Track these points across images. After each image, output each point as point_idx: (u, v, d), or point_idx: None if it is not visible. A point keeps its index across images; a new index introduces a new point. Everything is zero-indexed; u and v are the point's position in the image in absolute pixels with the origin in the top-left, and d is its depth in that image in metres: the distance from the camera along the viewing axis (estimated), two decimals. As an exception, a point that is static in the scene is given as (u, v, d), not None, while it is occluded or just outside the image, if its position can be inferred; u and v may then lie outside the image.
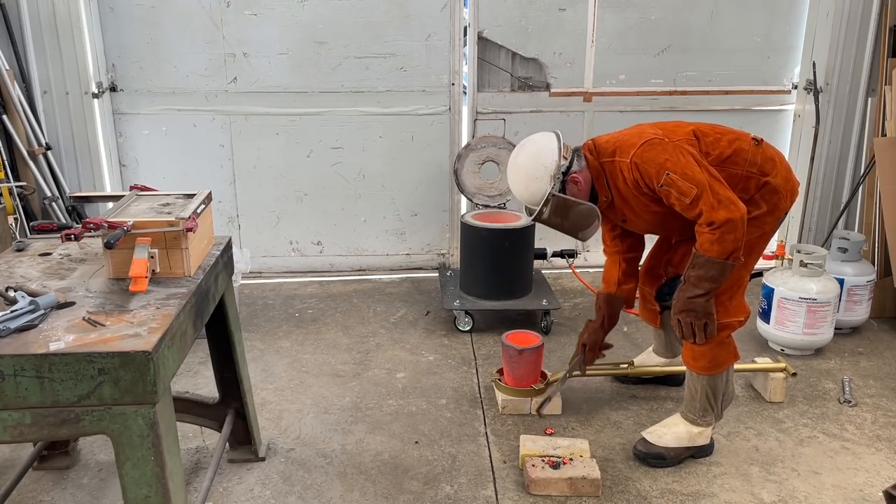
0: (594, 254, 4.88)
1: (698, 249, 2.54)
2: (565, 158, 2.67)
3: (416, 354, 3.70)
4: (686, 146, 2.58)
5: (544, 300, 3.95)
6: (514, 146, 4.16)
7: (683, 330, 2.65)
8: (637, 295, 3.13)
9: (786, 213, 2.79)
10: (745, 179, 2.65)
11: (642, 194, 2.63)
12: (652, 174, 2.54)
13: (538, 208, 2.69)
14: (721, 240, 2.48)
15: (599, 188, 2.72)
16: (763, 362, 3.33)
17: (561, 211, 2.68)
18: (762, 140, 2.74)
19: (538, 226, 4.06)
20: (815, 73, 4.45)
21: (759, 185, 2.67)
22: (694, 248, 2.57)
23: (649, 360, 3.36)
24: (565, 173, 2.66)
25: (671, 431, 2.82)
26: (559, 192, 2.66)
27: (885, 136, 4.10)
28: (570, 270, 4.47)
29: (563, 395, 3.18)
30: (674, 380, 3.34)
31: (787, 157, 4.77)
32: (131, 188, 2.47)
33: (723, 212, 2.46)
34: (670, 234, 2.86)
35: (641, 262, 3.14)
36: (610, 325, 3.07)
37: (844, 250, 3.86)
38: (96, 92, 4.22)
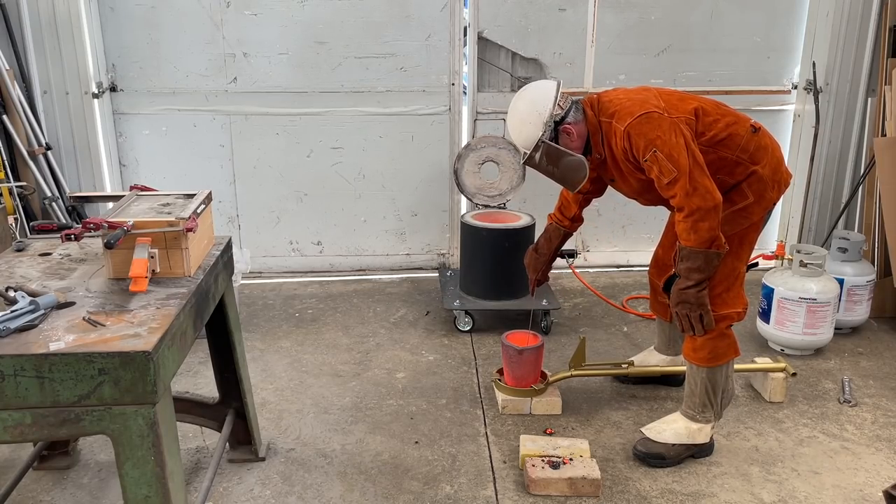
0: (594, 254, 4.88)
1: (679, 241, 2.59)
2: (561, 108, 2.70)
3: (416, 354, 3.70)
4: (682, 126, 2.58)
5: (544, 300, 3.95)
6: (515, 146, 4.21)
7: (682, 322, 2.66)
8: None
9: (774, 204, 2.80)
10: (733, 164, 2.67)
11: (628, 161, 2.67)
12: (640, 147, 2.57)
13: (529, 152, 2.73)
14: (695, 228, 2.51)
15: (595, 144, 2.76)
16: (763, 362, 3.33)
17: (551, 159, 2.72)
18: (760, 127, 2.73)
19: (538, 226, 4.08)
20: (815, 73, 4.45)
21: (746, 172, 2.68)
22: (678, 241, 2.60)
23: (649, 359, 3.36)
24: (559, 122, 2.69)
25: (670, 427, 2.82)
26: (551, 140, 2.70)
27: (885, 136, 4.10)
28: (570, 270, 4.46)
29: (563, 395, 3.19)
30: (674, 380, 3.34)
31: (787, 157, 4.80)
32: (131, 188, 2.47)
33: (696, 199, 2.49)
34: (654, 202, 2.86)
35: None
36: (555, 257, 3.22)
37: (844, 250, 3.86)
38: (96, 92, 4.22)
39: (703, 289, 2.59)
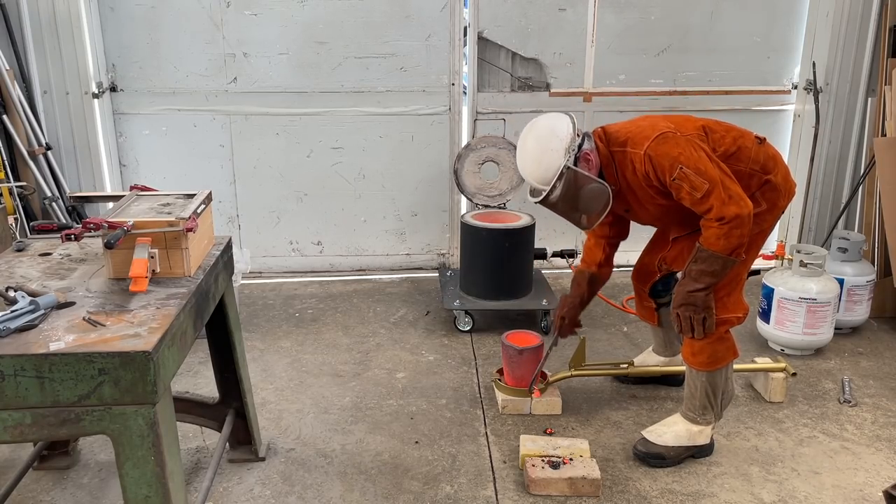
0: (594, 254, 4.88)
1: (703, 244, 2.55)
2: (578, 136, 2.65)
3: (416, 354, 3.70)
4: (697, 141, 2.58)
5: (544, 300, 3.95)
6: (515, 146, 4.20)
7: (682, 324, 2.66)
8: (632, 295, 3.14)
9: (783, 212, 2.82)
10: (747, 176, 2.66)
11: (650, 187, 2.63)
12: (665, 167, 2.53)
13: (550, 185, 2.60)
14: (728, 234, 2.50)
15: (608, 175, 2.70)
16: (763, 362, 3.33)
17: (572, 190, 2.61)
18: (764, 139, 2.76)
19: (538, 226, 4.09)
20: (815, 73, 4.45)
21: (760, 182, 2.69)
22: (698, 242, 2.58)
23: (649, 359, 3.37)
24: (578, 148, 2.63)
25: (671, 430, 2.82)
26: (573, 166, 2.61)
27: (885, 136, 4.10)
28: (570, 270, 4.46)
29: (563, 395, 3.19)
30: (673, 380, 3.34)
31: (787, 157, 4.81)
32: (131, 188, 2.47)
33: (733, 207, 2.48)
34: (671, 227, 2.86)
35: (635, 262, 3.15)
36: (587, 301, 3.11)
37: (844, 250, 3.86)
38: (96, 92, 4.22)
39: (710, 292, 2.60)
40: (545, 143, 2.63)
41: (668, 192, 2.60)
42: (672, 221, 2.81)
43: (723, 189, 2.49)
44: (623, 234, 3.05)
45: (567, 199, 2.64)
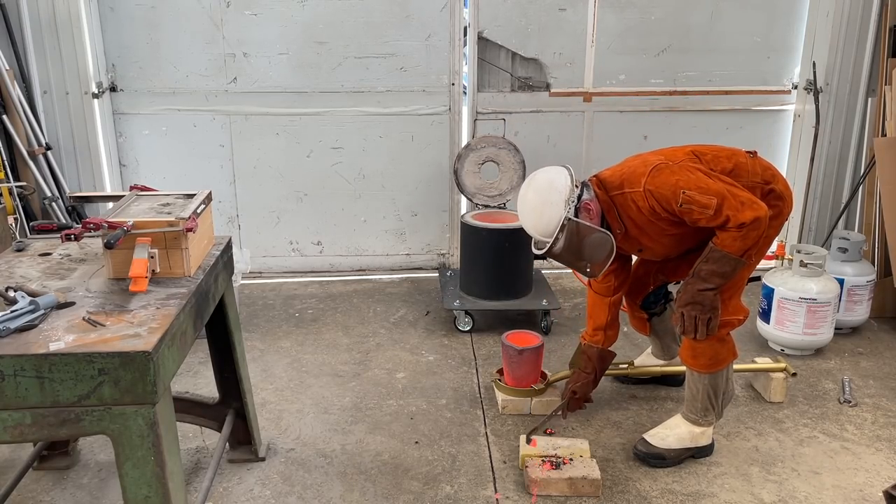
0: (594, 254, 4.88)
1: (717, 244, 2.56)
2: (577, 187, 2.65)
3: (416, 354, 3.70)
4: (690, 164, 2.61)
5: (544, 300, 3.95)
6: (515, 146, 4.23)
7: (686, 324, 2.65)
8: (623, 307, 3.12)
9: (786, 220, 2.84)
10: (751, 190, 2.66)
11: (660, 220, 2.63)
12: (668, 196, 2.54)
13: (553, 237, 2.61)
14: (745, 237, 2.51)
15: (611, 220, 2.70)
16: (763, 362, 3.33)
17: (575, 239, 2.61)
18: (755, 152, 2.80)
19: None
20: (815, 73, 4.45)
21: (764, 193, 2.70)
22: (711, 242, 2.58)
23: (649, 360, 3.37)
24: (578, 199, 2.64)
25: (673, 433, 2.82)
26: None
27: (885, 136, 4.10)
28: (570, 270, 4.46)
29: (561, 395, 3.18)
30: (673, 380, 3.34)
31: (787, 157, 4.82)
32: (131, 188, 2.47)
33: (748, 212, 2.49)
34: (691, 249, 2.83)
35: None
36: (599, 379, 3.07)
37: (844, 250, 3.86)
38: (96, 92, 4.22)
39: (718, 293, 2.60)
40: (545, 196, 2.63)
41: (679, 221, 2.60)
42: (687, 247, 2.80)
43: (732, 198, 2.50)
44: (625, 284, 3.02)
45: (570, 249, 2.64)
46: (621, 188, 2.66)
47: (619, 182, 2.67)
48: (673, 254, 2.85)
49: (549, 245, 2.64)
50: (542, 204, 2.63)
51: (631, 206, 2.64)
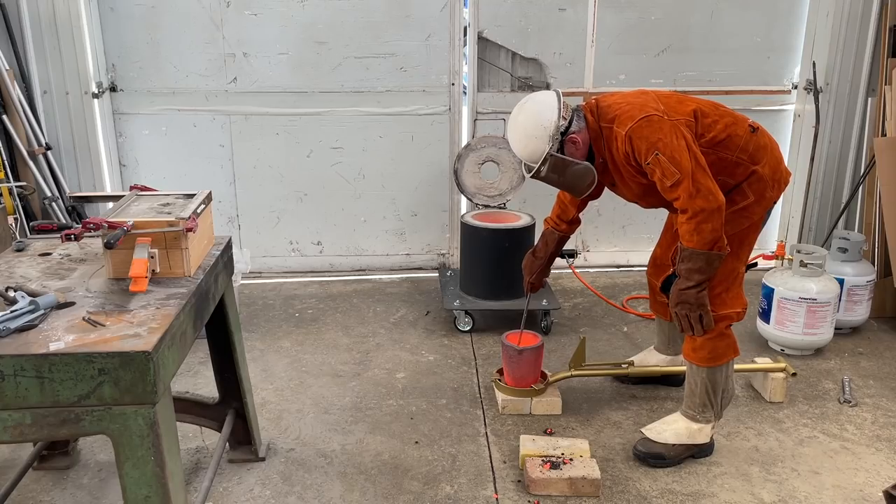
0: (594, 254, 4.88)
1: (681, 242, 2.59)
2: (564, 119, 2.68)
3: (416, 354, 3.70)
4: (682, 128, 2.58)
5: (544, 300, 3.95)
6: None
7: (681, 323, 2.67)
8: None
9: (774, 203, 2.80)
10: (734, 165, 2.66)
11: (630, 165, 2.67)
12: (642, 150, 2.57)
13: (536, 167, 2.72)
14: (698, 230, 2.51)
15: (597, 150, 2.75)
16: (763, 362, 3.33)
17: (558, 170, 2.72)
18: (759, 127, 2.74)
19: (538, 226, 4.08)
20: (815, 73, 4.45)
21: (746, 172, 2.68)
22: (678, 241, 2.61)
23: (649, 359, 3.36)
24: (564, 133, 2.68)
25: (671, 428, 2.82)
26: (557, 152, 2.69)
27: (885, 136, 4.10)
28: (570, 270, 4.46)
29: (563, 395, 3.18)
30: (673, 380, 3.34)
31: (787, 157, 4.80)
32: (131, 188, 2.47)
33: (699, 201, 2.49)
34: (655, 205, 2.87)
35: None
36: (552, 261, 3.23)
37: (844, 250, 3.86)
38: (96, 92, 4.22)
39: (703, 289, 2.59)
40: (530, 129, 2.71)
41: (645, 173, 2.64)
42: (654, 200, 2.81)
43: (692, 182, 2.50)
44: (598, 194, 3.05)
45: (553, 177, 2.76)
46: (611, 123, 2.67)
47: (612, 116, 2.68)
48: (640, 202, 2.88)
49: (532, 172, 2.76)
50: (526, 137, 2.73)
51: (613, 142, 2.68)
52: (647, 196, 2.79)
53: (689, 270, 2.58)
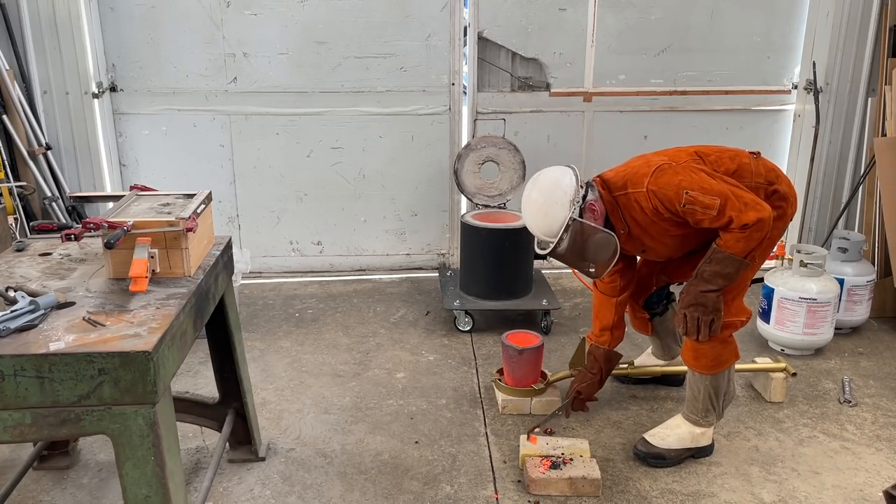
0: (594, 254, 4.87)
1: (721, 245, 2.55)
2: (581, 187, 2.66)
3: (416, 354, 3.70)
4: (694, 165, 2.60)
5: (544, 300, 3.95)
6: (515, 146, 4.22)
7: (688, 325, 2.64)
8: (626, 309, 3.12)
9: (790, 220, 2.84)
10: (754, 190, 2.66)
11: (663, 220, 2.63)
12: (672, 197, 2.54)
13: (557, 237, 2.61)
14: (749, 238, 2.50)
15: (615, 221, 2.71)
16: (763, 362, 3.33)
17: (580, 240, 2.62)
18: (758, 153, 2.79)
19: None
20: (815, 73, 4.45)
21: (768, 194, 2.70)
22: (715, 243, 2.58)
23: (649, 360, 3.37)
24: (583, 199, 2.64)
25: (674, 433, 2.82)
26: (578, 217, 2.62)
27: (885, 136, 4.10)
28: (571, 270, 4.46)
29: (563, 395, 3.18)
30: (674, 380, 3.34)
31: (787, 157, 4.81)
32: (131, 188, 2.47)
33: (752, 213, 2.49)
34: (695, 249, 2.83)
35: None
36: (605, 380, 3.07)
37: (844, 250, 3.86)
38: (96, 92, 4.22)
39: (721, 294, 2.60)
40: (550, 196, 2.64)
41: (682, 222, 2.60)
42: (690, 248, 2.80)
43: (736, 199, 2.50)
44: (630, 284, 3.02)
45: (575, 250, 2.65)
46: (625, 188, 2.65)
47: (623, 182, 2.67)
48: (676, 255, 2.85)
49: (553, 245, 2.64)
50: (546, 204, 2.63)
51: (634, 206, 2.64)
52: (685, 245, 2.77)
53: (715, 274, 2.56)
